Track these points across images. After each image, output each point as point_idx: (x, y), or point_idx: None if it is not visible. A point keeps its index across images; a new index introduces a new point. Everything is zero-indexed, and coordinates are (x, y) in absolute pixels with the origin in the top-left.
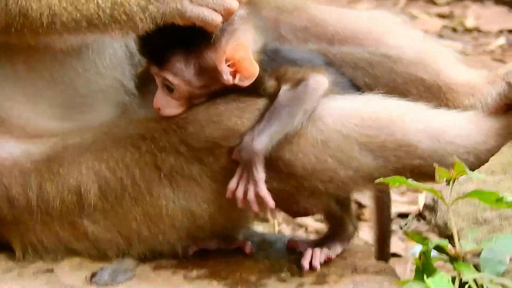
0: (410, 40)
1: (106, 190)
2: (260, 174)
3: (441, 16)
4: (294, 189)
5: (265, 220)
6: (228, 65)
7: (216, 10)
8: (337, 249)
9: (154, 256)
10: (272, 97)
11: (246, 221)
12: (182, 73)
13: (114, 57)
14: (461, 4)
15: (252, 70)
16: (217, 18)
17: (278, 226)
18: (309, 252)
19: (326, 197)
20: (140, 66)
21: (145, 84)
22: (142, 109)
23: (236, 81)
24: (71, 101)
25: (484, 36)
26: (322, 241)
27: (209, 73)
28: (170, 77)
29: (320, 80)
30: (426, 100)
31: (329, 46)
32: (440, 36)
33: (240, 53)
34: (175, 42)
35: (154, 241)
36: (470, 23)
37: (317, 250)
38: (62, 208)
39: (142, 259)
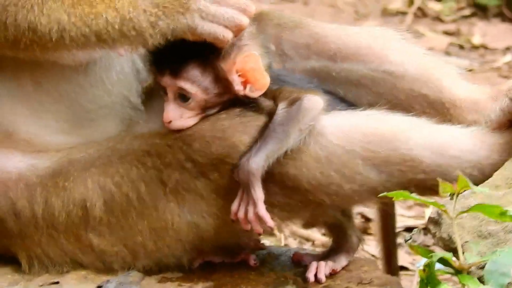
0: (412, 56)
1: (111, 204)
2: (258, 194)
3: (448, 33)
4: (299, 203)
5: (272, 234)
6: (239, 75)
7: (227, 27)
8: (342, 261)
9: (159, 269)
10: (270, 116)
11: (251, 235)
12: (199, 80)
13: (121, 73)
14: (467, 21)
15: (263, 81)
16: (228, 35)
17: (285, 239)
18: (314, 265)
19: (331, 209)
20: (146, 82)
21: (150, 100)
22: (148, 124)
23: (247, 91)
24: (77, 116)
25: (491, 53)
26: (327, 254)
27: (223, 82)
28: (187, 86)
29: (314, 100)
30: (429, 116)
31: (331, 63)
32: (447, 53)
33: (250, 64)
34: (190, 50)
35: (160, 254)
36: (476, 40)
37: (322, 263)
38: (68, 221)
39: (148, 272)
